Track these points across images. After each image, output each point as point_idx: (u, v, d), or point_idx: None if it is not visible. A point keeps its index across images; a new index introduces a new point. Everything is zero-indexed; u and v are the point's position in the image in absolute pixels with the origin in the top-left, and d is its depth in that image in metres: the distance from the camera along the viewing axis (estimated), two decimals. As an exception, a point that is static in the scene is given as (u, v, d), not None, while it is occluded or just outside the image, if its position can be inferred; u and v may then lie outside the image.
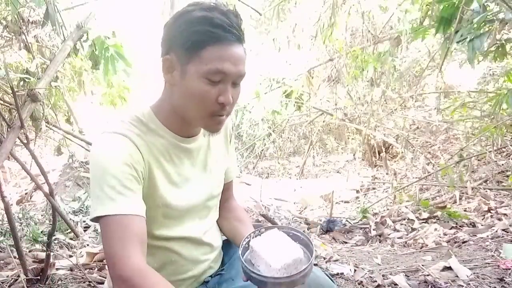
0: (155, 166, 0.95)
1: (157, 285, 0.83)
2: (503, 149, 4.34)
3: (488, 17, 2.26)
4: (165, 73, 0.94)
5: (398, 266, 2.19)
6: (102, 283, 1.84)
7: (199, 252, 1.07)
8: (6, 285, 1.79)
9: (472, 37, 2.18)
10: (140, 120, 0.96)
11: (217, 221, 1.20)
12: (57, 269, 2.03)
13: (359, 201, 4.70)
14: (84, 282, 1.92)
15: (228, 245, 1.20)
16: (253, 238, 1.02)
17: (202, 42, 0.87)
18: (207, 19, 0.87)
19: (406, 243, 2.75)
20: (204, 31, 0.86)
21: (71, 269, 2.07)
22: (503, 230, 2.57)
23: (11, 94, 1.86)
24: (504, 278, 1.83)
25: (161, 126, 0.97)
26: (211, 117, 0.92)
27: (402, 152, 5.29)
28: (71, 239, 2.78)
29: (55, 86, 2.57)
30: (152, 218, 0.96)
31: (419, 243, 2.67)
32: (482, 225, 2.81)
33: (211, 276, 1.13)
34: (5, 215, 2.29)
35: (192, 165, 1.03)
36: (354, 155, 6.83)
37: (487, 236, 2.51)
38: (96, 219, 0.87)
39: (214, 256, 1.13)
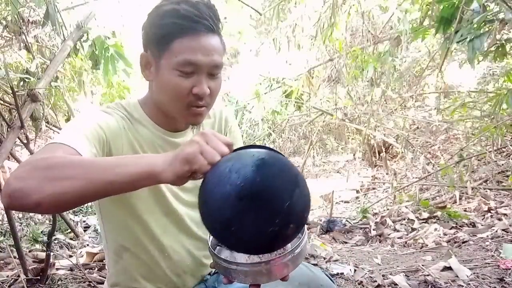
0: (140, 151, 0.96)
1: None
2: (503, 149, 4.34)
3: (488, 17, 2.26)
4: (142, 69, 0.96)
5: (398, 266, 2.19)
6: (102, 283, 1.84)
7: (193, 246, 1.07)
8: (6, 285, 1.79)
9: (472, 37, 2.18)
10: (124, 109, 0.98)
11: None
12: (57, 269, 2.03)
13: (359, 201, 4.70)
14: (84, 282, 1.92)
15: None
16: None
17: (170, 35, 0.87)
18: (174, 11, 0.87)
19: (406, 243, 2.75)
20: (172, 23, 0.87)
21: (71, 269, 2.08)
22: (503, 230, 2.57)
23: (11, 94, 1.86)
24: (504, 278, 1.83)
25: (146, 118, 0.99)
26: (188, 108, 0.92)
27: (402, 152, 5.29)
28: (71, 239, 2.78)
29: (55, 86, 2.57)
30: (141, 201, 0.97)
31: (419, 243, 2.67)
32: (482, 225, 2.81)
33: (209, 274, 1.13)
34: (5, 215, 2.29)
35: None
36: (354, 155, 6.84)
37: (487, 236, 2.51)
38: None
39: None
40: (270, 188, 0.65)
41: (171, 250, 1.03)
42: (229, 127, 1.16)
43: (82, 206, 3.62)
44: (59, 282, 1.88)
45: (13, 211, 2.07)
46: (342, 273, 2.06)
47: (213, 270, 1.14)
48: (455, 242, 2.54)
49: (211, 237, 0.86)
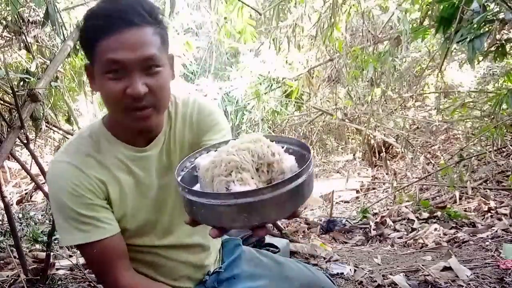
0: (115, 183, 0.91)
1: None
2: (503, 149, 4.34)
3: (488, 17, 2.25)
4: (89, 82, 0.90)
5: (398, 266, 2.19)
6: (102, 283, 1.84)
7: (189, 253, 1.05)
8: (6, 285, 1.79)
9: (472, 37, 2.17)
10: (90, 138, 0.91)
11: None
12: (57, 269, 2.03)
13: (359, 201, 4.70)
14: (84, 282, 1.92)
15: (228, 244, 1.19)
16: (200, 155, 0.76)
17: (92, 38, 0.81)
18: (92, 13, 0.82)
19: (406, 243, 2.75)
20: (91, 26, 0.81)
21: (71, 269, 2.08)
22: (503, 230, 2.57)
23: (11, 94, 1.86)
24: (504, 278, 1.83)
25: (113, 140, 0.92)
26: (128, 113, 0.83)
27: (402, 152, 5.29)
28: (71, 239, 2.78)
29: (55, 86, 2.57)
30: (131, 231, 0.95)
31: (419, 243, 2.67)
32: (482, 225, 2.81)
33: (208, 274, 1.11)
34: (5, 215, 2.29)
35: (156, 172, 0.96)
36: (354, 155, 6.83)
37: (487, 236, 2.51)
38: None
39: (206, 256, 1.09)
40: None
41: (165, 260, 1.02)
42: (198, 124, 0.98)
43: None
44: (59, 282, 1.88)
45: (13, 211, 2.07)
46: (342, 273, 2.06)
47: (212, 270, 1.13)
48: (455, 242, 2.54)
49: (183, 172, 0.76)
